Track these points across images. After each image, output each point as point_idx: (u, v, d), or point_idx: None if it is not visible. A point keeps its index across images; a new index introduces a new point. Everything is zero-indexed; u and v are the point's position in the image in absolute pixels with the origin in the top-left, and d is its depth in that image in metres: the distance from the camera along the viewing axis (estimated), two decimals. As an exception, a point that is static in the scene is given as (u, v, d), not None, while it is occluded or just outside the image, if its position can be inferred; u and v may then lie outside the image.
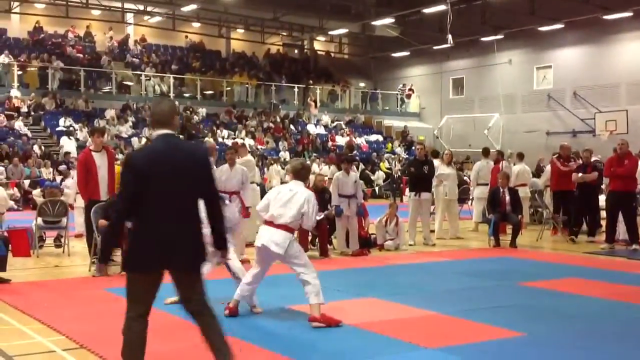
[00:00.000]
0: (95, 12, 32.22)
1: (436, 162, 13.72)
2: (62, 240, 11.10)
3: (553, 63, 30.46)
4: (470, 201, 15.27)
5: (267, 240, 6.30)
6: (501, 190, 12.33)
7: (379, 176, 27.80)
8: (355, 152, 26.12)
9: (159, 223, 4.18)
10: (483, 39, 30.10)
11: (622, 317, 6.69)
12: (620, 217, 11.83)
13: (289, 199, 6.33)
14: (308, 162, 25.66)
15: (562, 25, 27.78)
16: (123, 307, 6.98)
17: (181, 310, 4.44)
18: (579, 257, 10.92)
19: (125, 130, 26.02)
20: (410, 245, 12.16)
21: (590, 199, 12.83)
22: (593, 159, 14.37)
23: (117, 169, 11.66)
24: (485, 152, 15.13)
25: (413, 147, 27.47)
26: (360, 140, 31.52)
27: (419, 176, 12.47)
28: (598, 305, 7.22)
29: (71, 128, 25.14)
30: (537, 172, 18.16)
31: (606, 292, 7.80)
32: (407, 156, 29.15)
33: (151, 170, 4.17)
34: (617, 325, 6.30)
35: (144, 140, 25.20)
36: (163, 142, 4.33)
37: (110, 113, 26.60)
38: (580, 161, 13.56)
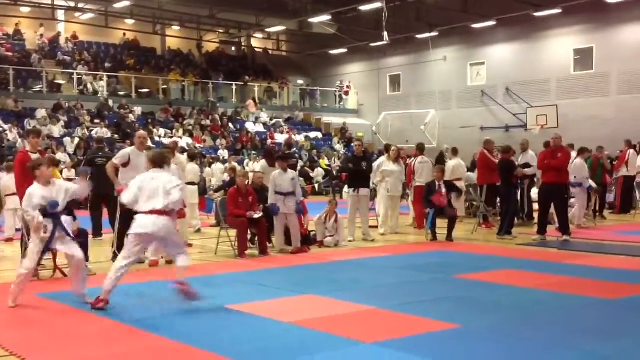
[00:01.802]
0: (25, 9, 31.24)
1: (382, 158, 13.87)
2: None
3: (486, 60, 31.17)
4: (407, 197, 15.45)
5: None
6: (436, 184, 12.52)
7: (318, 173, 27.89)
8: (294, 149, 26.14)
9: None
10: (418, 36, 30.56)
11: (555, 306, 6.88)
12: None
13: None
14: (246, 158, 25.59)
15: (494, 23, 28.45)
16: (55, 313, 6.82)
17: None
18: (512, 249, 11.18)
19: (58, 130, 25.30)
20: (349, 241, 12.21)
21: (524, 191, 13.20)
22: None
23: (52, 172, 11.37)
24: (421, 149, 15.26)
25: (352, 144, 27.65)
26: (300, 137, 31.53)
27: (357, 172, 12.55)
28: (531, 295, 7.41)
29: (0, 129, 24.30)
30: (473, 167, 18.53)
31: (539, 283, 8.01)
32: (345, 152, 29.33)
33: None
34: (550, 315, 6.47)
35: (76, 141, 24.57)
36: None
37: (41, 113, 25.83)
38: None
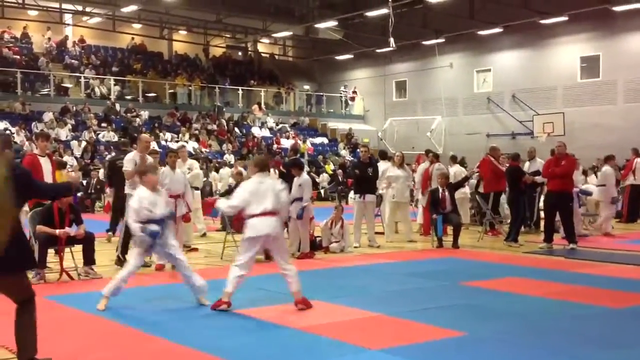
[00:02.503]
0: (32, 13, 31.39)
1: (386, 164, 13.85)
2: None
3: (492, 66, 31.16)
4: (414, 203, 15.46)
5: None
6: (440, 190, 12.53)
7: (323, 178, 27.89)
8: (299, 154, 26.13)
9: None
10: (425, 42, 30.58)
11: (560, 315, 6.86)
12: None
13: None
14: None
15: (501, 30, 28.46)
16: (64, 315, 6.84)
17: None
18: (518, 256, 11.17)
19: (65, 133, 25.39)
20: (355, 247, 12.21)
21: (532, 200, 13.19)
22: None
23: (58, 175, 11.42)
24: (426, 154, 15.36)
25: (358, 150, 27.66)
26: (306, 143, 31.56)
27: (362, 178, 12.55)
28: (537, 303, 7.39)
29: (7, 132, 24.39)
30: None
31: (545, 291, 7.99)
32: (351, 158, 29.34)
33: None
34: (556, 323, 6.46)
35: (83, 144, 24.65)
36: None
37: (48, 116, 25.91)
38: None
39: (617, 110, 26.66)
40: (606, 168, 14.51)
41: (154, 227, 6.97)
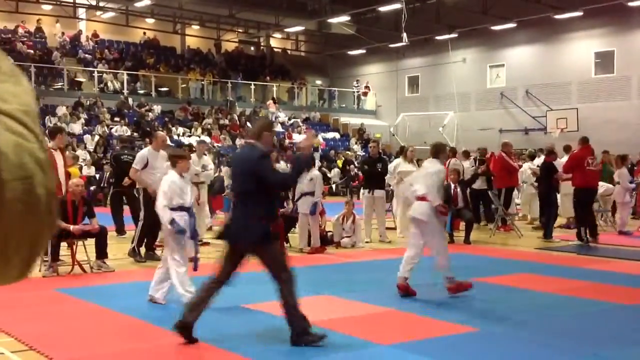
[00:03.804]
0: (46, 7, 31.54)
1: (398, 159, 13.83)
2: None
3: (506, 62, 30.98)
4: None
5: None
6: (452, 185, 12.49)
7: (335, 173, 27.88)
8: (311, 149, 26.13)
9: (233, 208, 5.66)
10: (437, 37, 30.44)
11: (573, 311, 6.83)
12: None
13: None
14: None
15: (514, 25, 28.26)
16: (76, 308, 6.88)
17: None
18: (530, 253, 11.12)
19: (78, 127, 25.52)
20: (366, 242, 12.21)
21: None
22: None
23: (73, 171, 11.50)
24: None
25: (368, 145, 27.66)
26: (318, 138, 31.53)
27: (372, 174, 12.57)
28: (549, 300, 7.36)
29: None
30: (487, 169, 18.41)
31: (557, 287, 7.96)
32: (363, 154, 29.30)
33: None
34: (568, 320, 6.44)
35: (96, 138, 24.77)
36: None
37: (61, 110, 26.05)
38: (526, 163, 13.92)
39: (631, 106, 26.43)
40: (622, 169, 14.44)
41: (182, 226, 6.82)
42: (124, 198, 11.89)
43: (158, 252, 10.22)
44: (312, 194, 11.05)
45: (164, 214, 6.79)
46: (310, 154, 5.69)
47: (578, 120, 25.77)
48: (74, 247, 8.78)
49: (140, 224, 9.84)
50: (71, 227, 8.61)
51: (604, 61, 27.56)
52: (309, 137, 5.86)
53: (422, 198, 7.45)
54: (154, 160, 9.81)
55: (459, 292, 7.22)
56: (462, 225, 12.83)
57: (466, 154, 15.84)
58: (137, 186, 10.12)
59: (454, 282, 7.28)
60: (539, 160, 14.48)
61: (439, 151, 7.81)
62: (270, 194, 5.53)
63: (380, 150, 13.17)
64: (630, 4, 24.65)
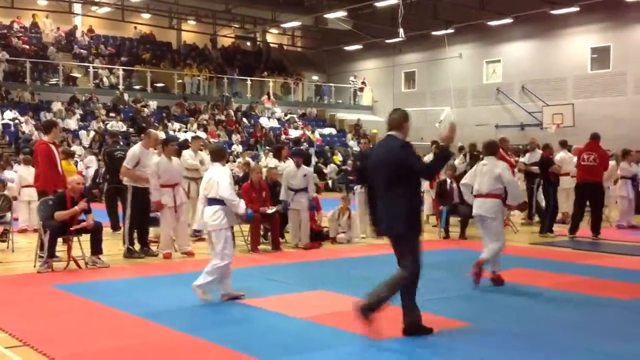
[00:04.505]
0: (42, 3, 31.44)
1: None
2: (7, 235, 10.80)
3: (502, 57, 31.00)
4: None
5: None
6: (448, 182, 12.50)
7: (331, 169, 27.88)
8: (303, 145, 26.11)
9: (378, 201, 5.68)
10: (434, 33, 30.43)
11: (567, 306, 6.85)
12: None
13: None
14: (262, 154, 25.69)
15: (511, 20, 28.26)
16: (69, 304, 6.87)
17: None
18: (524, 247, 11.14)
19: (73, 123, 25.47)
20: (362, 237, 12.22)
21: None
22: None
23: (65, 164, 11.46)
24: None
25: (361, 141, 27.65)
26: (315, 134, 31.53)
27: (363, 169, 12.56)
28: (543, 294, 7.38)
29: (16, 121, 24.50)
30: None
31: (551, 282, 7.97)
32: (359, 150, 29.30)
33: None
34: (562, 314, 6.45)
35: (92, 134, 24.72)
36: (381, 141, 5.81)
37: (57, 105, 26.01)
38: (521, 157, 13.93)
39: (626, 102, 26.47)
40: (621, 163, 14.55)
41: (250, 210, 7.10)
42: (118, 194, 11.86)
43: (153, 247, 10.22)
44: (305, 189, 11.06)
45: (238, 204, 6.87)
46: (451, 144, 5.93)
47: (574, 116, 25.81)
48: (70, 242, 8.77)
49: (127, 222, 9.79)
50: (77, 207, 8.60)
51: (600, 57, 27.60)
52: (452, 129, 6.01)
53: (488, 195, 7.75)
54: (145, 158, 9.83)
55: (497, 285, 7.71)
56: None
57: (461, 149, 15.88)
58: (125, 183, 9.97)
59: (496, 275, 7.80)
60: (525, 158, 14.46)
61: (496, 148, 8.19)
62: (413, 183, 5.69)
63: (371, 146, 13.14)
64: (627, -1, 24.69)
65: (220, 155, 7.26)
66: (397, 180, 5.53)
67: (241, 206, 6.86)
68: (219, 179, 6.83)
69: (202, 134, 27.31)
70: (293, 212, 11.05)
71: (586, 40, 28.02)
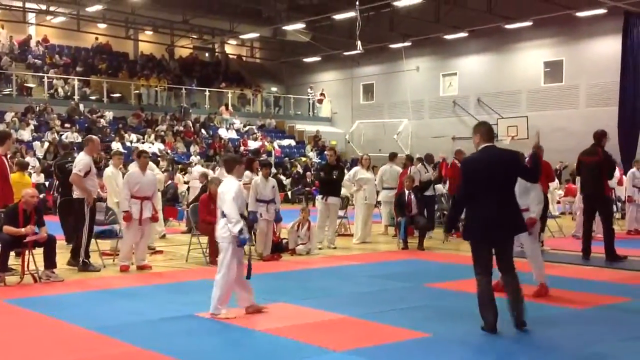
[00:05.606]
0: (-5, 12, 30.83)
1: (357, 167, 13.93)
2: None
3: (458, 70, 31.48)
4: (378, 204, 15.51)
5: None
6: (407, 192, 12.60)
7: (290, 181, 27.85)
8: (262, 156, 26.06)
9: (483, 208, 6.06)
10: (391, 45, 30.75)
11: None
12: None
13: None
14: (218, 167, 25.54)
15: (466, 34, 28.74)
16: (22, 319, 6.70)
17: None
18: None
19: (27, 134, 24.94)
20: (319, 249, 12.22)
21: None
22: None
23: (19, 176, 11.17)
24: (391, 157, 15.26)
25: (325, 152, 27.73)
26: (274, 145, 31.49)
27: (327, 181, 12.63)
28: (501, 304, 7.45)
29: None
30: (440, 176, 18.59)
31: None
32: (319, 161, 29.37)
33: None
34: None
35: (46, 145, 24.24)
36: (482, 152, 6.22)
37: (10, 116, 25.44)
38: None
39: (579, 115, 27.12)
40: (633, 170, 15.31)
41: (247, 236, 6.77)
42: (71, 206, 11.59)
43: (109, 260, 10.04)
44: (273, 201, 11.04)
45: (237, 223, 6.62)
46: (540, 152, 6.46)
47: (528, 128, 26.30)
48: (24, 255, 8.56)
49: (85, 234, 9.53)
50: (23, 229, 8.40)
51: (553, 70, 28.26)
52: (537, 135, 6.77)
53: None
54: (94, 166, 9.69)
55: (541, 297, 7.78)
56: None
57: (420, 160, 16.01)
58: (75, 194, 9.62)
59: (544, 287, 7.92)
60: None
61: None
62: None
63: (337, 158, 13.24)
64: (579, 14, 25.31)
65: (229, 166, 7.02)
66: (512, 187, 6.17)
67: (235, 227, 6.60)
68: (226, 193, 6.76)
69: (160, 145, 27.05)
70: (263, 222, 10.99)
71: (539, 55, 28.67)
